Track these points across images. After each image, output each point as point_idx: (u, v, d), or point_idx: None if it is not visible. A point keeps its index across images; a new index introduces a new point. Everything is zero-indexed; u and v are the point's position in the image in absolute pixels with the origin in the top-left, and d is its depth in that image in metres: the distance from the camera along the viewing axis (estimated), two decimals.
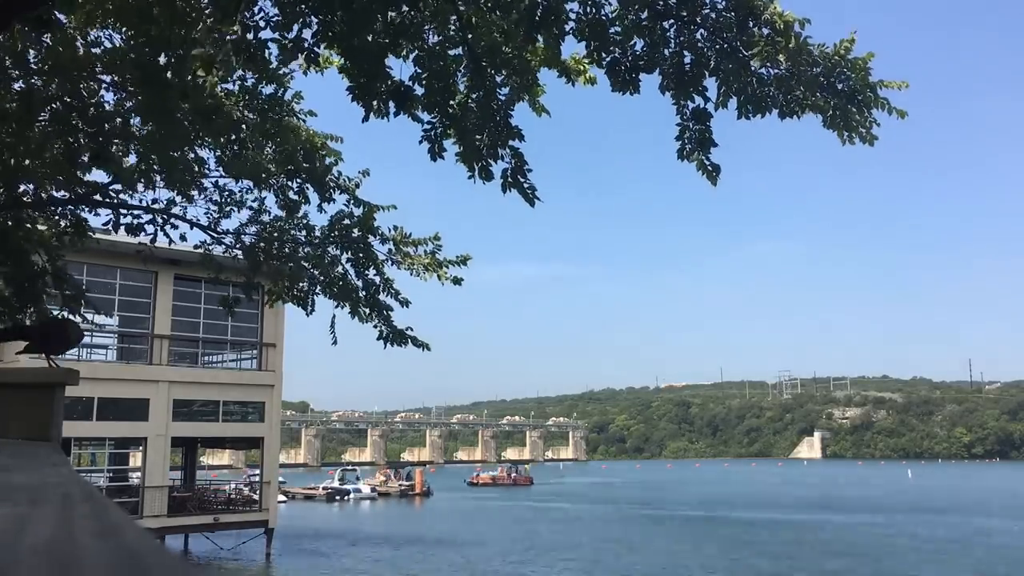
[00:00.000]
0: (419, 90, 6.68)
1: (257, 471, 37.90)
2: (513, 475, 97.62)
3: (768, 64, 6.20)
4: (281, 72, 8.52)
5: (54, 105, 8.21)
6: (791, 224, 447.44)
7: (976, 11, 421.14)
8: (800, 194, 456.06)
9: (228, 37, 6.30)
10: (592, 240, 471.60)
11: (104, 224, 10.06)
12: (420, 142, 7.01)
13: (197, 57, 6.35)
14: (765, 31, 6.11)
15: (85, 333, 7.76)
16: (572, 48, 7.14)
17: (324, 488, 75.36)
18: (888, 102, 6.31)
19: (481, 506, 67.15)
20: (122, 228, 10.07)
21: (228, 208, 10.58)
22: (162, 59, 6.79)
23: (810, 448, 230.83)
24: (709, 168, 6.73)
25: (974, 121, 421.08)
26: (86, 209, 10.32)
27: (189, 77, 6.86)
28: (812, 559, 36.80)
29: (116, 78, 8.27)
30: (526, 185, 7.11)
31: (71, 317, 9.83)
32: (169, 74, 6.62)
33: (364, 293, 10.62)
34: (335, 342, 11.13)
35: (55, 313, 10.40)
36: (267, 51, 6.41)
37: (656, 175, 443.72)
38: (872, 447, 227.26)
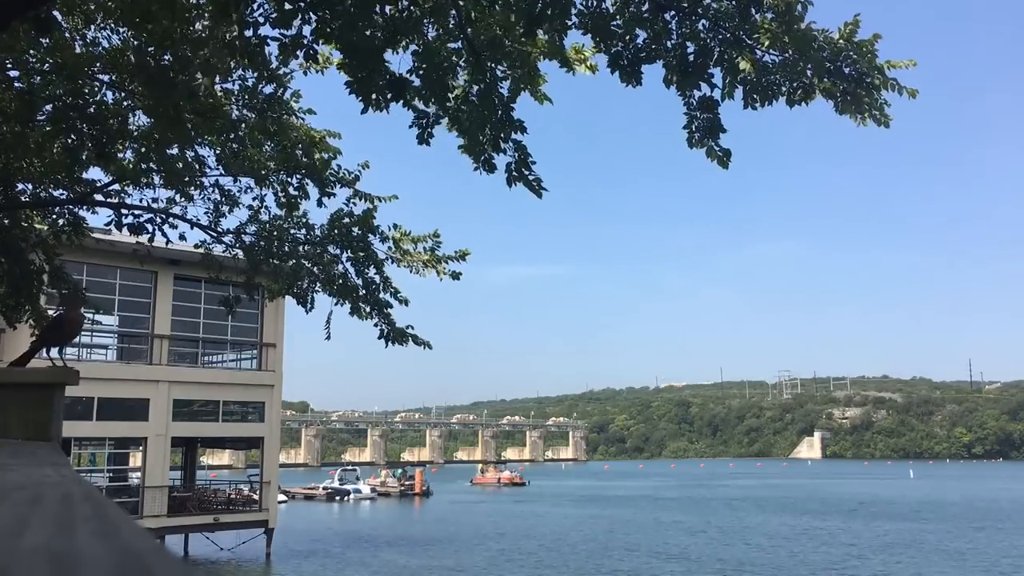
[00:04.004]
0: (417, 81, 6.63)
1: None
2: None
3: (772, 50, 6.15)
4: (281, 72, 8.50)
5: (55, 104, 8.19)
6: (791, 224, 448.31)
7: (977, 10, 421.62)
8: (800, 194, 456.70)
9: (227, 37, 6.27)
10: (592, 240, 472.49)
11: (106, 224, 10.04)
12: (410, 126, 6.97)
13: (201, 62, 6.31)
14: (768, 16, 6.06)
15: (85, 319, 7.49)
16: (575, 40, 7.11)
17: (324, 488, 75.47)
18: (898, 82, 6.25)
19: (482, 507, 67.12)
20: (124, 228, 10.06)
21: (225, 208, 10.56)
22: (165, 59, 6.76)
23: (810, 448, 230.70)
24: (719, 154, 6.69)
25: (975, 119, 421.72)
26: (85, 208, 10.30)
27: (196, 79, 6.83)
28: None
29: (116, 77, 8.24)
30: (531, 177, 7.05)
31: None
32: (173, 74, 6.59)
33: (364, 292, 10.60)
34: (328, 337, 11.12)
35: (52, 311, 10.34)
36: (266, 48, 6.38)
37: (656, 176, 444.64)
38: (872, 447, 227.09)
